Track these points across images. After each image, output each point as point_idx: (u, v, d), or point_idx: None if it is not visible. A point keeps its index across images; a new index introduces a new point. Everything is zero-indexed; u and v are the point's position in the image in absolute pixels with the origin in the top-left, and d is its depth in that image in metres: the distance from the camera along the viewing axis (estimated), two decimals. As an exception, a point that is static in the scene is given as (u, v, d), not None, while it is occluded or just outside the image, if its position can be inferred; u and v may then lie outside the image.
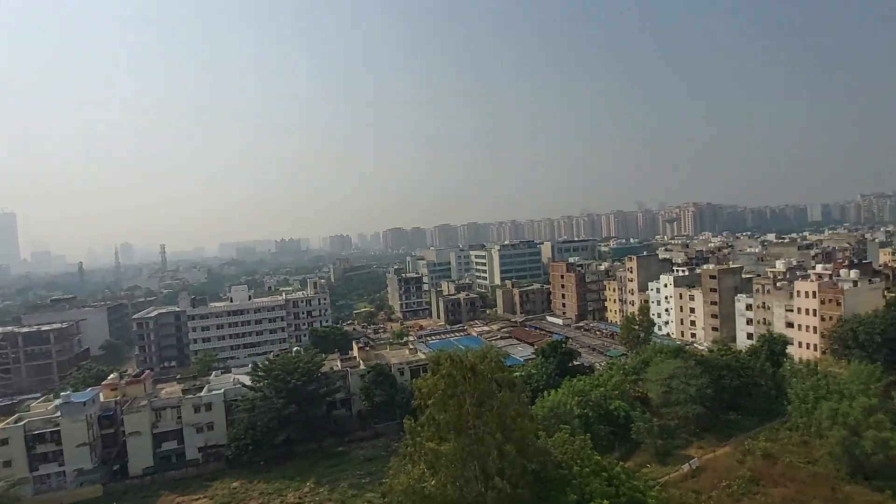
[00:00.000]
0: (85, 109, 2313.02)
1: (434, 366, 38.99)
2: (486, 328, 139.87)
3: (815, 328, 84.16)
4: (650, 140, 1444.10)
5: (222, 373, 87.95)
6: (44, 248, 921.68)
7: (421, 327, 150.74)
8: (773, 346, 74.45)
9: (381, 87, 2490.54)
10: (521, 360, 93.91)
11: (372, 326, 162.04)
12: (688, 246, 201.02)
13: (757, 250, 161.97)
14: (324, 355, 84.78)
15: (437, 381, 36.65)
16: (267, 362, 75.93)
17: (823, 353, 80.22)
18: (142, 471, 67.19)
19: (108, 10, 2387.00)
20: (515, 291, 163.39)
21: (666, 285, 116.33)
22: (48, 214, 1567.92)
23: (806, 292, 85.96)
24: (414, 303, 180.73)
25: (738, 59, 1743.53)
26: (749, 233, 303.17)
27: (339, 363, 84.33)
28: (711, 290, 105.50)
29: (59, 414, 65.58)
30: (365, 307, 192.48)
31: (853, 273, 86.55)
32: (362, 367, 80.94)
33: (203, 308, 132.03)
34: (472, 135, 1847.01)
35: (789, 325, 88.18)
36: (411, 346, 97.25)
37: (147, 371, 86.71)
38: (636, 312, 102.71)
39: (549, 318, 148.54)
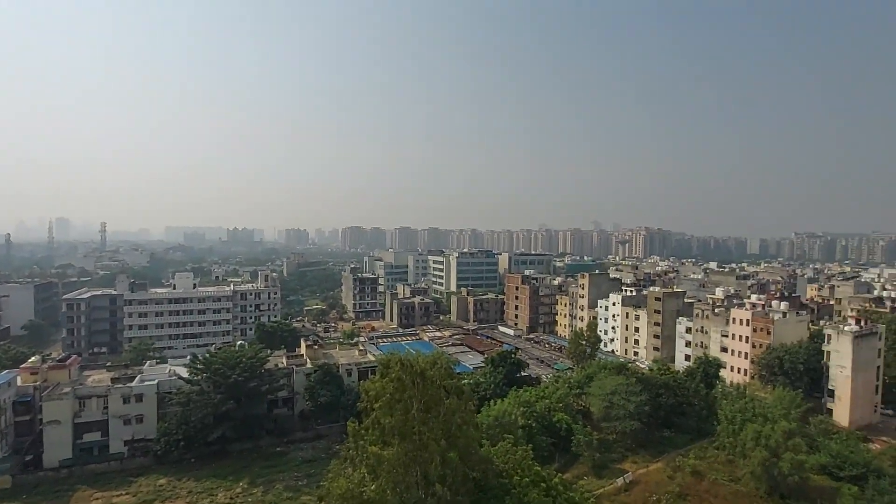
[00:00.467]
0: (30, 81, 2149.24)
1: (383, 368, 38.49)
2: (438, 334, 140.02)
3: (746, 354, 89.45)
4: (610, 163, 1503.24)
5: (158, 363, 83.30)
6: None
7: (373, 329, 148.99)
8: (708, 369, 78.59)
9: (351, 81, 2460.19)
10: (471, 367, 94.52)
11: (323, 325, 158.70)
12: (637, 267, 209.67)
13: (700, 277, 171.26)
14: (269, 351, 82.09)
15: (386, 384, 36.18)
16: (207, 354, 72.64)
17: (752, 378, 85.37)
18: (58, 463, 62.28)
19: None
20: (470, 299, 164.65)
21: (614, 304, 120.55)
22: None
23: (740, 320, 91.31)
24: (368, 304, 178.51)
25: (695, 98, 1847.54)
26: (694, 259, 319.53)
27: (284, 360, 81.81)
28: (656, 311, 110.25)
29: (-34, 397, 60.00)
30: (317, 304, 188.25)
31: (783, 305, 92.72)
32: (309, 365, 78.90)
33: (142, 293, 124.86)
34: (442, 139, 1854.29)
35: (724, 349, 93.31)
36: (361, 348, 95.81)
37: (74, 356, 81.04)
38: (585, 328, 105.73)
39: (502, 328, 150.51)
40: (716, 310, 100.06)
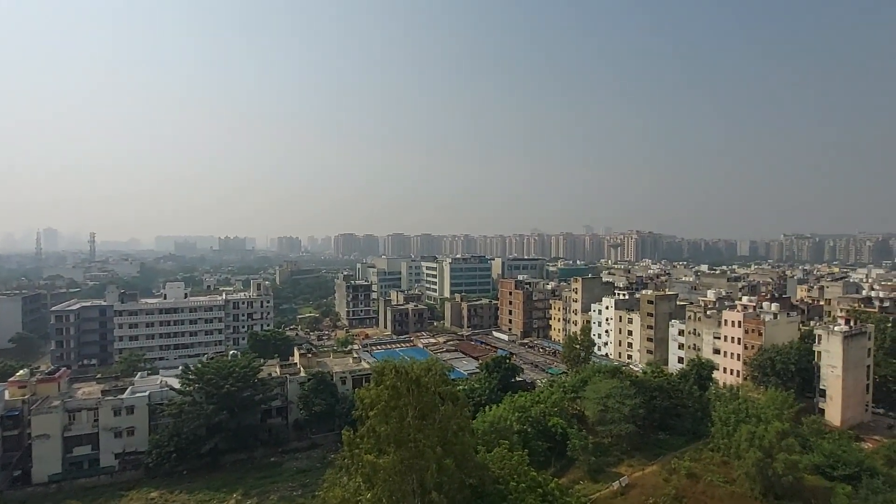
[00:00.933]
0: (19, 87, 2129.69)
1: (378, 376, 38.36)
2: (432, 340, 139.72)
3: (738, 355, 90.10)
4: (601, 167, 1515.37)
5: (149, 374, 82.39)
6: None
7: (367, 336, 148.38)
8: (701, 371, 79.01)
9: (348, 86, 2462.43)
10: (466, 373, 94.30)
11: (316, 333, 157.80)
12: (629, 271, 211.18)
13: (691, 279, 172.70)
14: (262, 360, 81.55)
15: (381, 391, 36.05)
16: (199, 365, 71.92)
17: (745, 379, 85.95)
18: (47, 478, 61.23)
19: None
20: (464, 305, 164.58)
21: (607, 307, 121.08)
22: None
23: (732, 322, 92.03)
24: (361, 311, 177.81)
25: (684, 102, 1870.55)
26: (685, 262, 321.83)
27: (278, 369, 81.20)
28: (648, 314, 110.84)
29: (-48, 412, 58.88)
30: (310, 312, 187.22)
31: (774, 306, 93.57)
32: (303, 374, 78.36)
33: (132, 304, 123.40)
34: (434, 144, 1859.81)
35: (716, 351, 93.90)
36: (355, 355, 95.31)
37: (63, 368, 79.91)
38: (578, 332, 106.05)
39: (496, 334, 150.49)
40: (708, 312, 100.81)
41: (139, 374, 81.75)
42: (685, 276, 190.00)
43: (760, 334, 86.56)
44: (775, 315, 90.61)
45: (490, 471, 40.32)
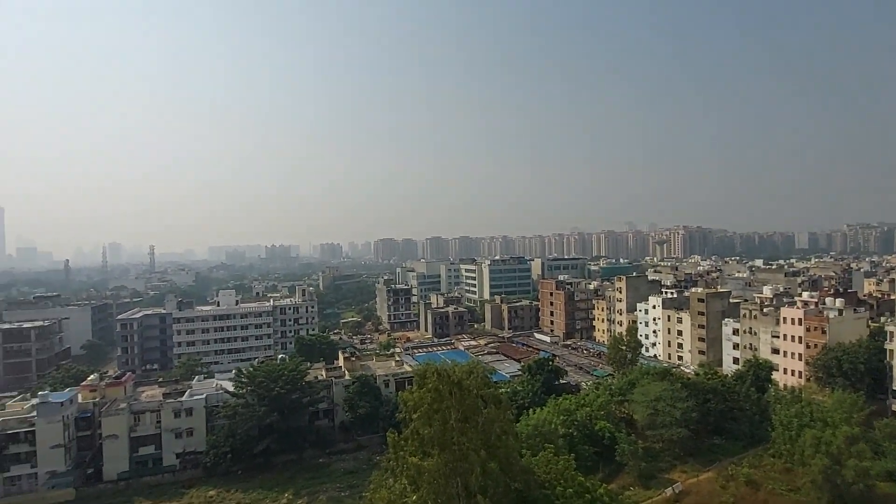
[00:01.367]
0: (82, 108, 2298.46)
1: (420, 379, 38.70)
2: (473, 343, 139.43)
3: (800, 355, 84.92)
4: (643, 161, 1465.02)
5: (205, 378, 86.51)
6: (30, 244, 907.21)
7: (408, 339, 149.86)
8: (759, 372, 74.89)
9: (382, 96, 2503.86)
10: (508, 376, 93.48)
11: (359, 336, 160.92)
12: (677, 268, 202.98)
13: (745, 275, 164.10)
14: (308, 364, 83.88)
15: (423, 394, 36.33)
16: (251, 368, 74.96)
17: (808, 380, 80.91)
18: (116, 475, 65.55)
19: (109, 7, 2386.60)
20: (504, 307, 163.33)
21: (654, 307, 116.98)
22: (37, 210, 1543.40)
23: (792, 319, 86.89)
24: (402, 314, 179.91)
25: (737, 88, 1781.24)
26: (738, 258, 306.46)
27: (323, 372, 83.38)
28: (699, 313, 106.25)
29: (34, 414, 64.05)
30: (353, 317, 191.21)
31: (838, 302, 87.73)
32: (347, 377, 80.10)
33: (189, 311, 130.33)
34: (475, 149, 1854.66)
35: (775, 351, 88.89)
36: (398, 359, 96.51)
37: (128, 373, 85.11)
38: (624, 333, 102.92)
39: (537, 335, 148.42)
40: (764, 309, 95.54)
41: (196, 377, 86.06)
42: (738, 271, 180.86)
43: (824, 332, 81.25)
44: (840, 311, 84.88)
45: (535, 475, 39.76)
